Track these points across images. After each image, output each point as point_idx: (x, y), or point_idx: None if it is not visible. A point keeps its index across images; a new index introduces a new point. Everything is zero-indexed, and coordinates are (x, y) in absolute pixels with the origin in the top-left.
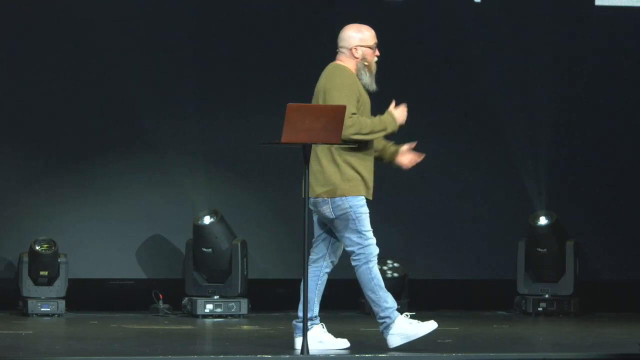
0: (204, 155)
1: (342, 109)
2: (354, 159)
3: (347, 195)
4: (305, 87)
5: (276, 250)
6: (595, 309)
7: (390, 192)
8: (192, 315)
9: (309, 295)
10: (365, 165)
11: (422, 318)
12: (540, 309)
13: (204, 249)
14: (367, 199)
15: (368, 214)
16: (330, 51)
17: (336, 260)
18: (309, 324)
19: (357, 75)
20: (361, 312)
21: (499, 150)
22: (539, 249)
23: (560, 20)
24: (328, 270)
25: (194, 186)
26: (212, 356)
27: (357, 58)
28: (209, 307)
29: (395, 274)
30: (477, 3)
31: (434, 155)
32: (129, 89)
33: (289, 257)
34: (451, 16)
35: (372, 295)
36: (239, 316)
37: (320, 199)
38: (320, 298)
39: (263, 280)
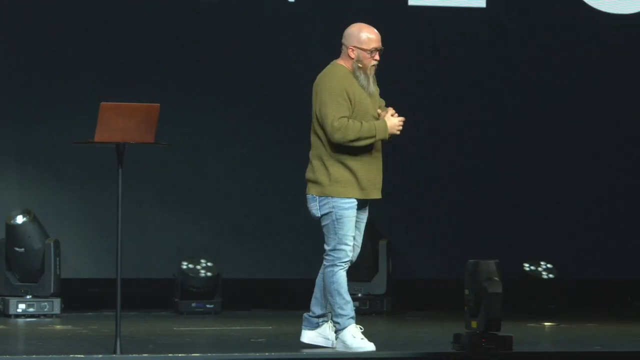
0: (15, 154)
1: (155, 109)
2: (349, 157)
3: (333, 196)
4: (119, 87)
5: (89, 250)
6: (408, 308)
7: (207, 193)
8: (5, 315)
9: (319, 294)
10: (362, 163)
11: (236, 317)
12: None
13: (17, 249)
14: (365, 199)
15: (352, 218)
16: (146, 46)
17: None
18: (320, 321)
19: (354, 75)
20: (174, 312)
21: (308, 147)
22: None
23: (373, 20)
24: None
25: (5, 185)
26: (25, 356)
27: (352, 58)
28: (22, 306)
29: (209, 274)
30: (291, 3)
31: (245, 151)
32: None
33: (102, 257)
34: (264, 16)
35: (329, 298)
36: (51, 316)
37: (309, 196)
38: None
39: (76, 280)
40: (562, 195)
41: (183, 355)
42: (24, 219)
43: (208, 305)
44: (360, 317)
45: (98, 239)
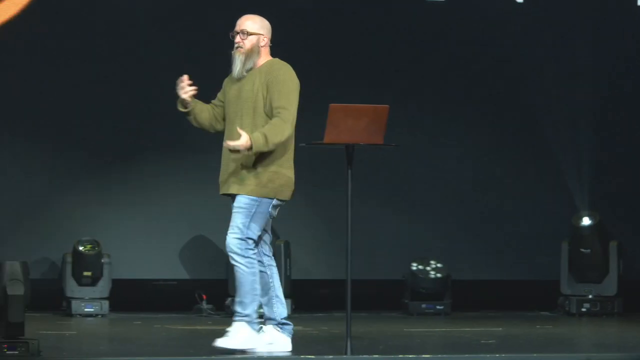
0: None
1: (384, 110)
2: None
3: None
4: (343, 87)
5: (319, 251)
6: (639, 309)
7: (435, 194)
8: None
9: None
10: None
11: (466, 319)
12: (583, 309)
13: None
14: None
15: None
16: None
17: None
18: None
19: None
20: (404, 313)
21: (542, 151)
22: (583, 250)
23: (603, 18)
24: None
25: None
26: (250, 356)
27: None
28: None
29: (439, 275)
30: (519, 3)
31: (477, 156)
32: (166, 89)
33: (332, 258)
34: (492, 15)
35: None
36: None
37: None
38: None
39: (306, 281)
40: None
41: (413, 356)
42: None
43: (438, 307)
44: (591, 318)
45: (328, 240)
